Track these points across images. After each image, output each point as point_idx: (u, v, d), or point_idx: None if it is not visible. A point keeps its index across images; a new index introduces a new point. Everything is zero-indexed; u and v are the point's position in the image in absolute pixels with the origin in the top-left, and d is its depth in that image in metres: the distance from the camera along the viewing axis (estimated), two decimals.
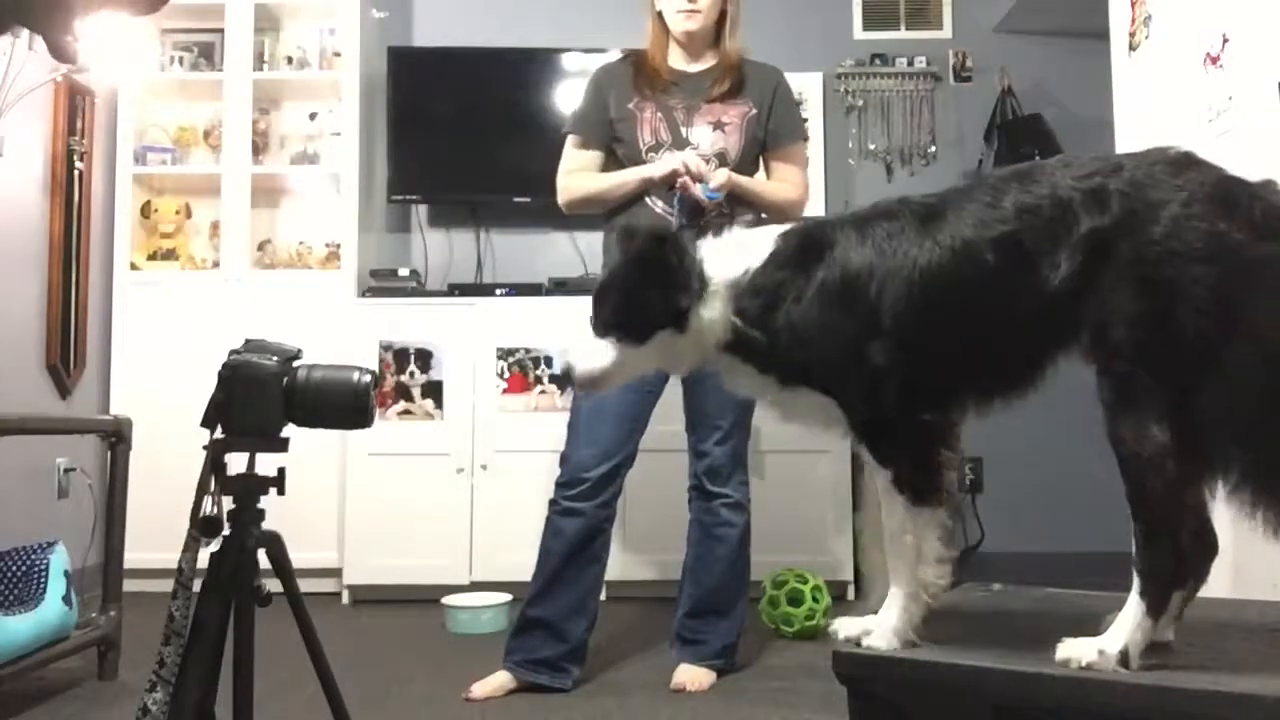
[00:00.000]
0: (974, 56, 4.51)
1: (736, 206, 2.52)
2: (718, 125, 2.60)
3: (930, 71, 4.50)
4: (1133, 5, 2.79)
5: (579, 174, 2.68)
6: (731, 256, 1.59)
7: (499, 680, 2.56)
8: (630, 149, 2.62)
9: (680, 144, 2.56)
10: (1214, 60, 2.39)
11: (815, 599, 3.13)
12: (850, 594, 3.73)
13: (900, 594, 1.48)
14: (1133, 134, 2.79)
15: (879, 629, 1.48)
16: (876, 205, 1.55)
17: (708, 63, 2.67)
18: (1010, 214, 1.42)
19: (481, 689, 2.53)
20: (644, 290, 1.59)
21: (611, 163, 2.68)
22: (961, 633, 1.53)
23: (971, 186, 1.50)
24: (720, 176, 2.48)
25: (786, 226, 1.64)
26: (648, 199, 2.58)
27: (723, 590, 2.68)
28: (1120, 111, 2.87)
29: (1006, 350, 1.46)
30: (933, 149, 4.48)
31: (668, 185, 2.51)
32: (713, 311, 1.56)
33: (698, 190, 2.45)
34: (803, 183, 2.71)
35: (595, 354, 1.62)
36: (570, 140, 2.72)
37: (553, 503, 2.60)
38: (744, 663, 2.79)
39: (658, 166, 2.52)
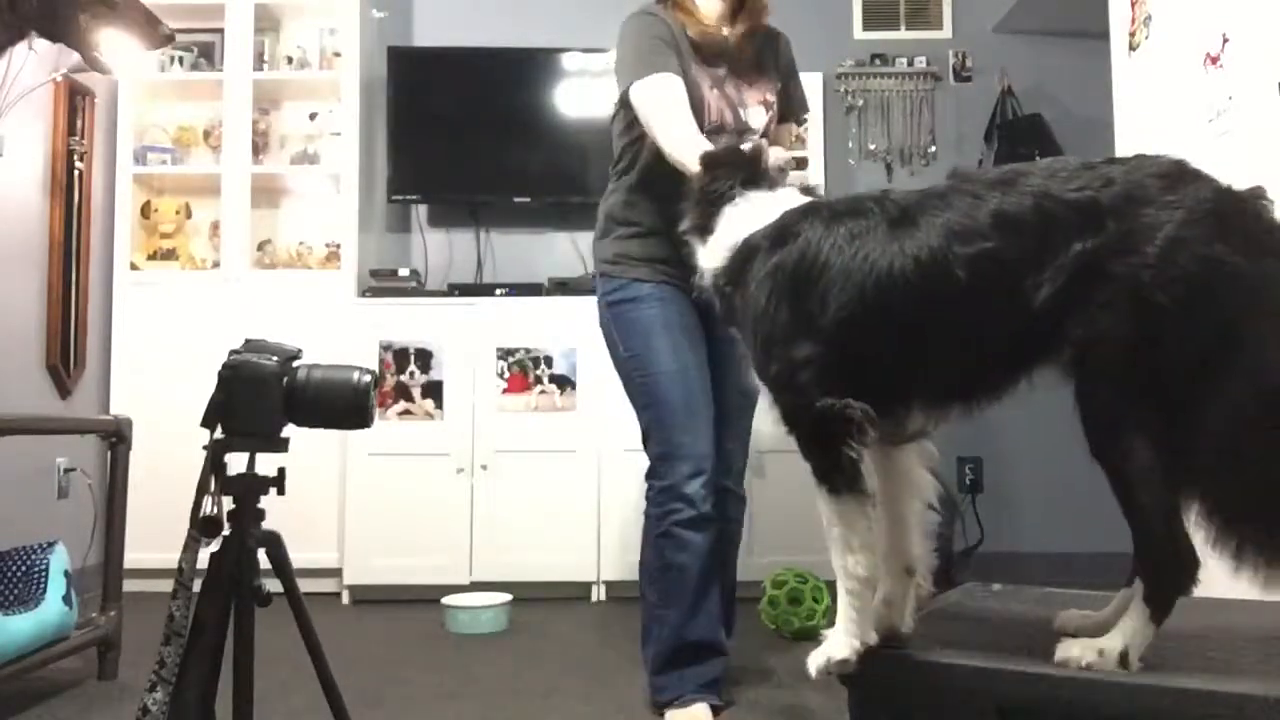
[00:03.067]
0: (974, 56, 4.52)
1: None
2: (763, 103, 2.52)
3: (930, 71, 4.50)
4: (1133, 5, 2.79)
5: (683, 106, 2.30)
6: (742, 221, 1.60)
7: (698, 714, 2.26)
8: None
9: (741, 129, 2.43)
10: (1214, 60, 2.39)
11: (815, 599, 3.13)
12: None
13: (843, 594, 1.43)
14: (1133, 134, 2.79)
15: (834, 637, 1.42)
16: (857, 197, 1.50)
17: (738, 25, 2.52)
18: (988, 226, 1.35)
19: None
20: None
21: None
22: (962, 633, 1.53)
23: (951, 189, 1.42)
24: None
25: (793, 204, 1.59)
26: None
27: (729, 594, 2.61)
28: (1120, 111, 2.87)
29: (966, 365, 1.41)
30: (933, 149, 4.48)
31: None
32: (708, 258, 1.64)
33: None
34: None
35: None
36: (660, 77, 2.33)
37: (668, 513, 2.28)
38: (744, 663, 2.78)
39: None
